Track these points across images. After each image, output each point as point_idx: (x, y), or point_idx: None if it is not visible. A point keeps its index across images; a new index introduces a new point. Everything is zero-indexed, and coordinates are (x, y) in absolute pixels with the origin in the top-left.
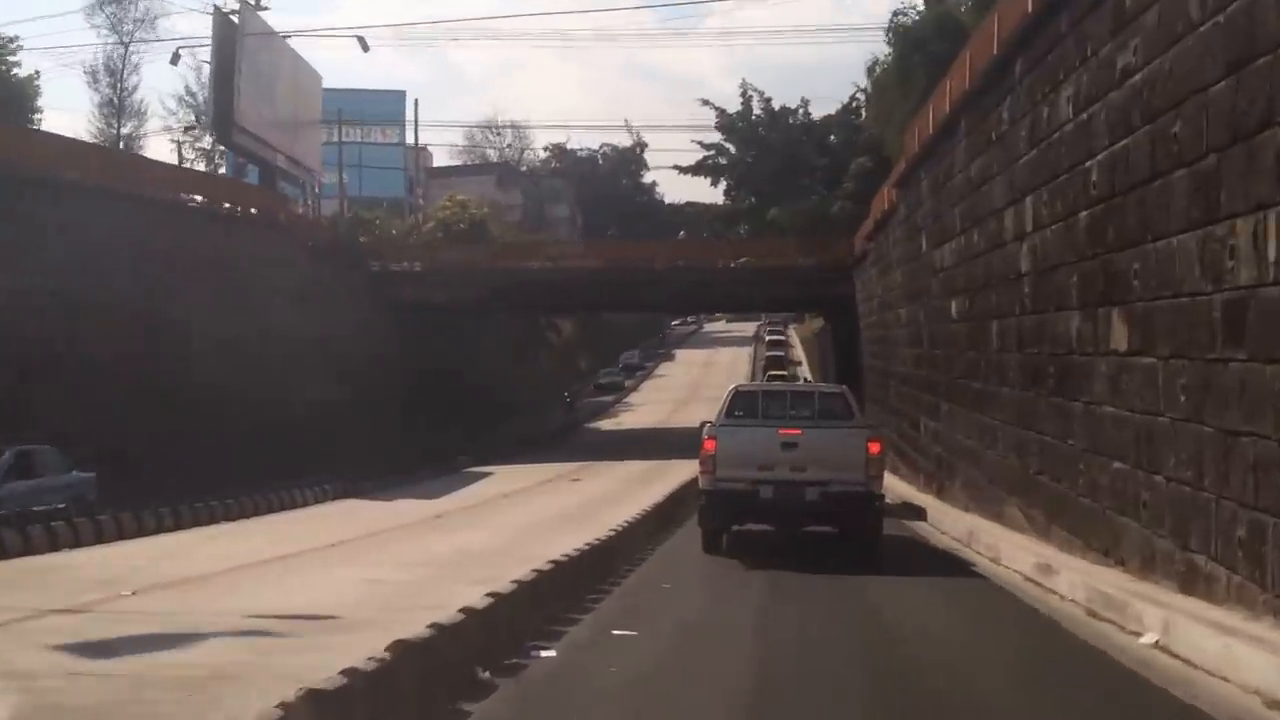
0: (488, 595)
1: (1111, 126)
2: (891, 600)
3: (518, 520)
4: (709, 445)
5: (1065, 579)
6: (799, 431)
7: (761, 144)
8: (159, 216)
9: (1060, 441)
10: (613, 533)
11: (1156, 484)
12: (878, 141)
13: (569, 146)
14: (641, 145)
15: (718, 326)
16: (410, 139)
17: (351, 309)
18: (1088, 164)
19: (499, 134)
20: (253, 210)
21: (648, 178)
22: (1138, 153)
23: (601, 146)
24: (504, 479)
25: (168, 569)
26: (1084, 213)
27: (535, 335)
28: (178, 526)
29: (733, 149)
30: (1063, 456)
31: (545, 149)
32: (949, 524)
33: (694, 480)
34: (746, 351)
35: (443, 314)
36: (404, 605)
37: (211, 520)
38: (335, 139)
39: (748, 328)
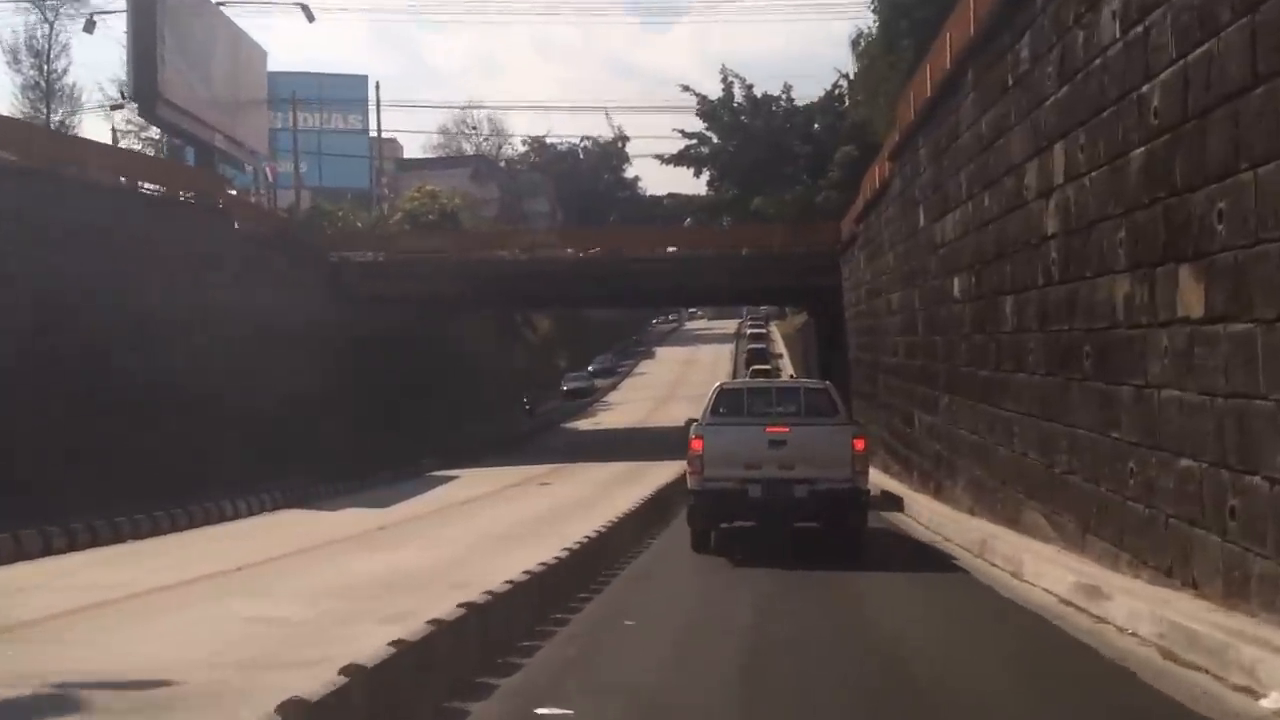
0: (342, 673)
1: (1183, 32)
2: (915, 644)
3: (469, 532)
4: (696, 445)
5: (1123, 606)
6: (786, 429)
7: (744, 132)
8: (61, 193)
9: (1100, 434)
10: (569, 551)
11: (1252, 486)
12: (862, 128)
13: (548, 140)
14: (623, 139)
15: (699, 324)
16: (374, 126)
17: (306, 302)
18: (1144, 89)
19: (474, 127)
20: (185, 195)
21: (630, 172)
22: (1228, 56)
23: (582, 140)
24: (469, 483)
25: (20, 605)
26: (1138, 150)
27: (511, 332)
28: (72, 547)
29: (715, 138)
30: (1103, 453)
31: (524, 142)
32: (952, 529)
33: (675, 482)
34: (728, 349)
35: (410, 308)
36: (278, 660)
37: (117, 539)
38: (290, 125)
39: (729, 325)
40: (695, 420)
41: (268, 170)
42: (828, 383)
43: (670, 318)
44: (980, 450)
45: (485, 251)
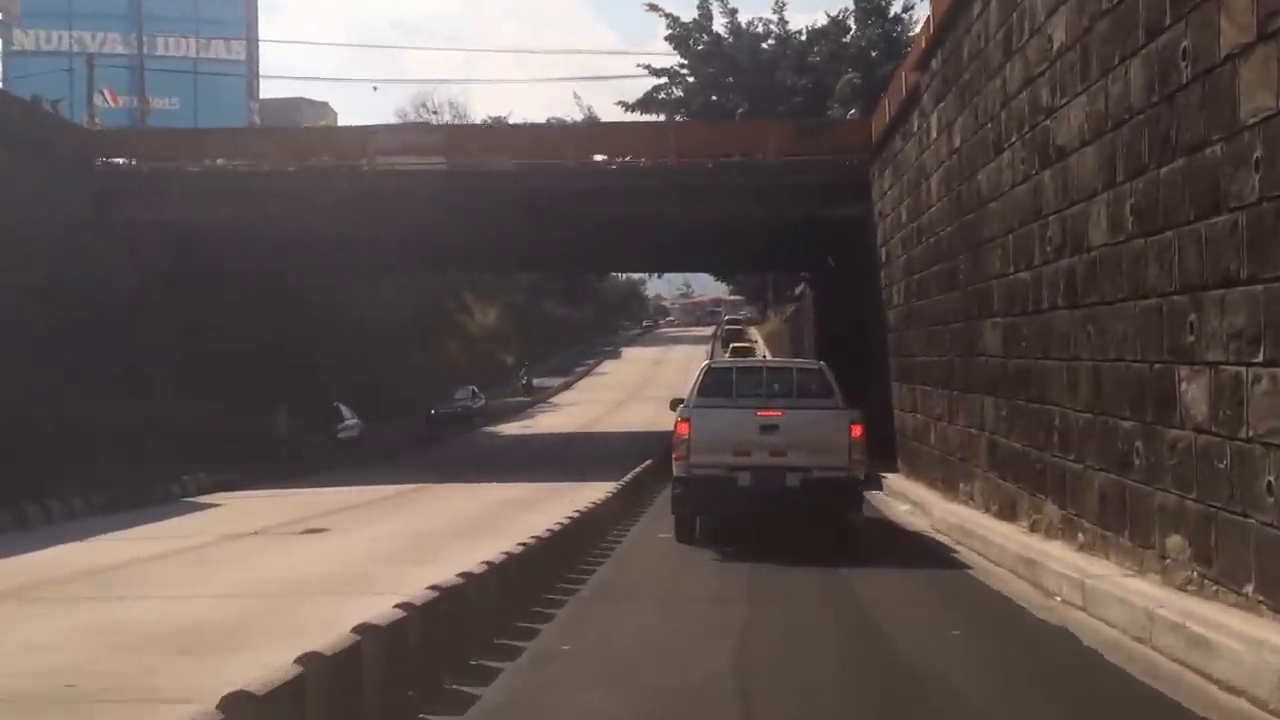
0: None
1: None
2: None
3: None
4: (682, 429)
5: None
6: (779, 413)
7: (725, 62)
8: None
9: None
10: None
11: None
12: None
13: (511, 121)
14: (593, 120)
15: (673, 330)
16: (265, 59)
17: (66, 232)
18: None
19: (435, 110)
20: None
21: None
22: None
23: (549, 120)
24: (208, 521)
25: None
26: None
27: (441, 317)
28: None
29: (690, 77)
30: None
31: (483, 121)
32: None
33: (568, 532)
34: (703, 350)
35: (261, 258)
36: None
37: None
38: (137, 44)
39: (704, 330)
40: (681, 401)
41: (105, 94)
42: (822, 363)
43: (644, 323)
44: None
45: (330, 157)
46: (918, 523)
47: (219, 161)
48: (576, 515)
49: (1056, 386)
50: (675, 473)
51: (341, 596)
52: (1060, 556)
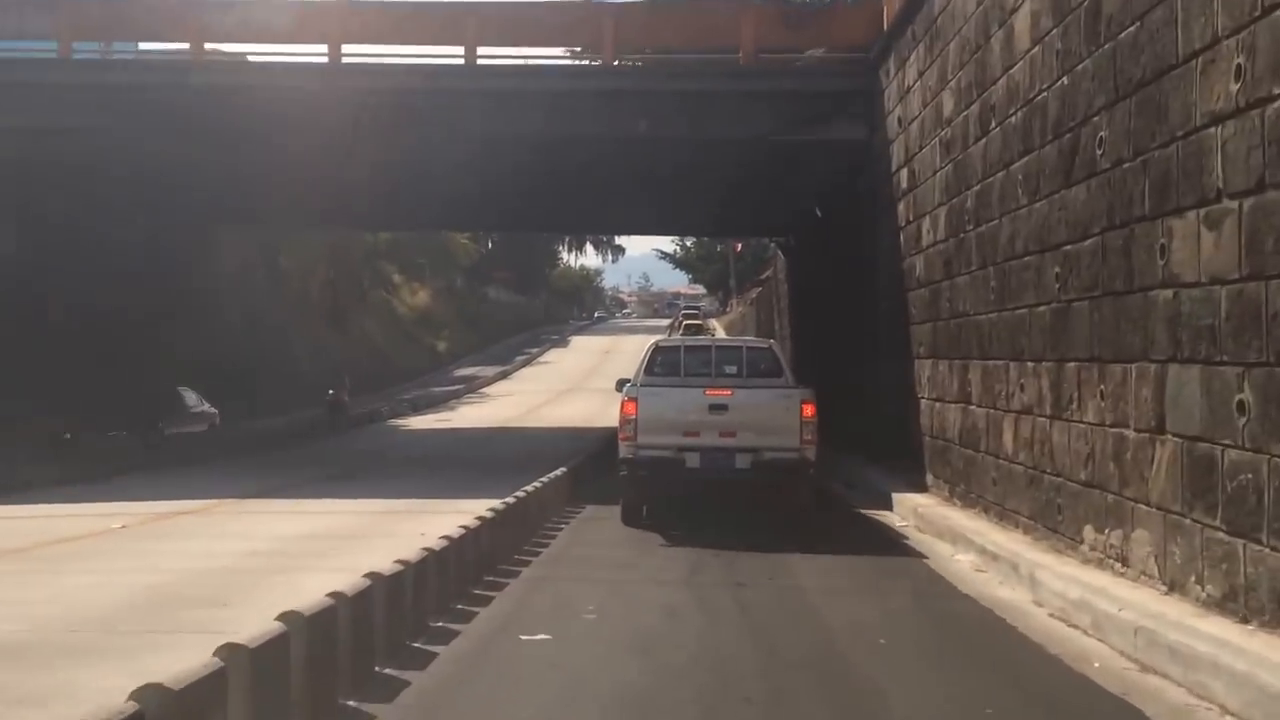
0: None
1: None
2: None
3: None
4: (629, 408)
5: None
6: (728, 393)
7: None
8: None
9: None
10: None
11: None
12: None
13: None
14: None
15: (629, 323)
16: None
17: None
18: None
19: None
20: None
21: None
22: None
23: None
24: None
25: None
26: None
27: (357, 294)
28: None
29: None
30: None
31: None
32: None
33: (320, 632)
34: (658, 338)
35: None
36: None
37: None
38: None
39: (663, 322)
40: (628, 381)
41: None
42: (771, 341)
43: (596, 314)
44: None
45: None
46: (1005, 595)
47: None
48: (363, 586)
49: None
50: (621, 454)
51: None
52: None
